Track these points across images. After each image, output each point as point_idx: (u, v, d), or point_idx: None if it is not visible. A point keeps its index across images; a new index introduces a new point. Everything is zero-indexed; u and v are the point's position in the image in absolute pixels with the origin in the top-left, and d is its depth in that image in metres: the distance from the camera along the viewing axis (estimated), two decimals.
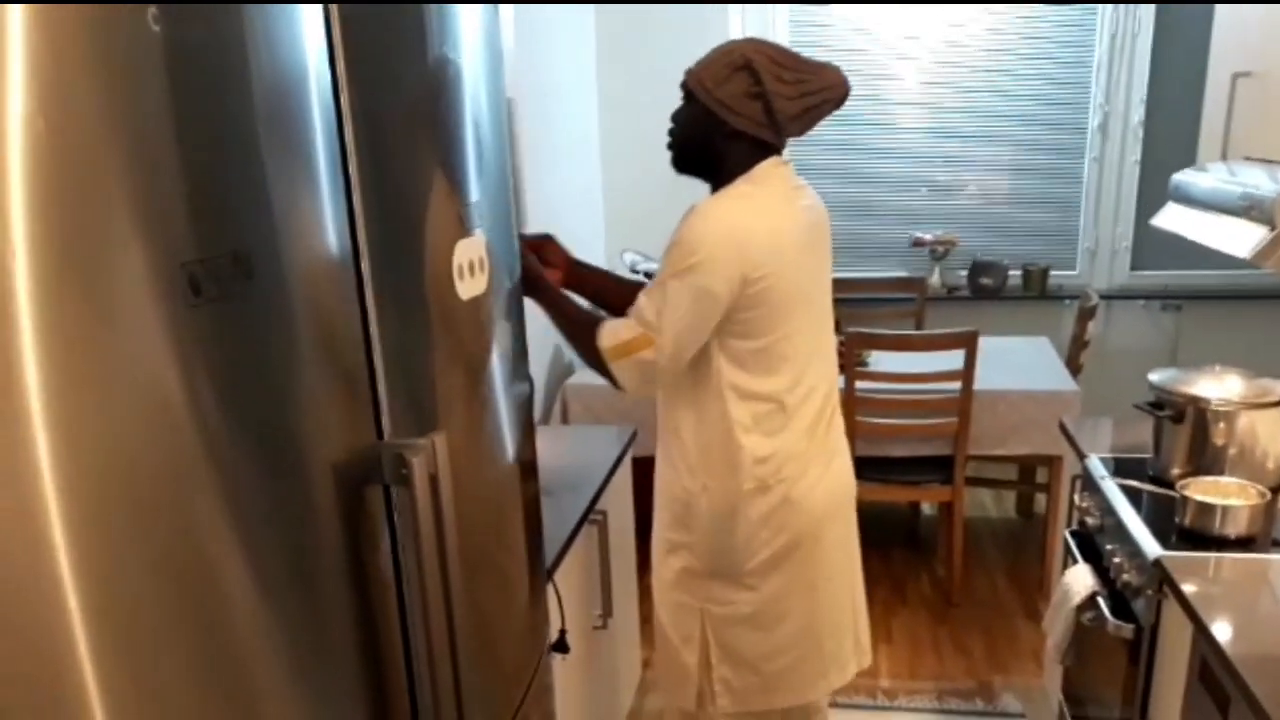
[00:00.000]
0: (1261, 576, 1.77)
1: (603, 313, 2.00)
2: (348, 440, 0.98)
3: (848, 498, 2.09)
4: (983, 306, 4.57)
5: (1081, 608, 2.11)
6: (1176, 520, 1.95)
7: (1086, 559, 2.21)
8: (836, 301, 2.08)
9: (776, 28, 4.42)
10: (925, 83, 4.50)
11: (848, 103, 1.90)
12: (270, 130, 0.83)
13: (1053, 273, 4.54)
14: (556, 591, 1.92)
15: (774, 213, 1.87)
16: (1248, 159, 2.29)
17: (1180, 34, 4.25)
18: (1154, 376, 2.19)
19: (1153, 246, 4.45)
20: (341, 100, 0.95)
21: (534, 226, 3.32)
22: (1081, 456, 2.40)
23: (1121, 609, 1.98)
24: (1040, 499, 4.22)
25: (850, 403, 3.35)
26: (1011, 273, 4.53)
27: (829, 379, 2.02)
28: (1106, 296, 4.51)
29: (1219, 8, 2.53)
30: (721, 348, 1.89)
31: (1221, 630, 1.59)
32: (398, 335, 1.07)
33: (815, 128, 1.92)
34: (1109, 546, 2.09)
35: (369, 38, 0.99)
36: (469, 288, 1.25)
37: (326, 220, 0.92)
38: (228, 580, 0.79)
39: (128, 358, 0.67)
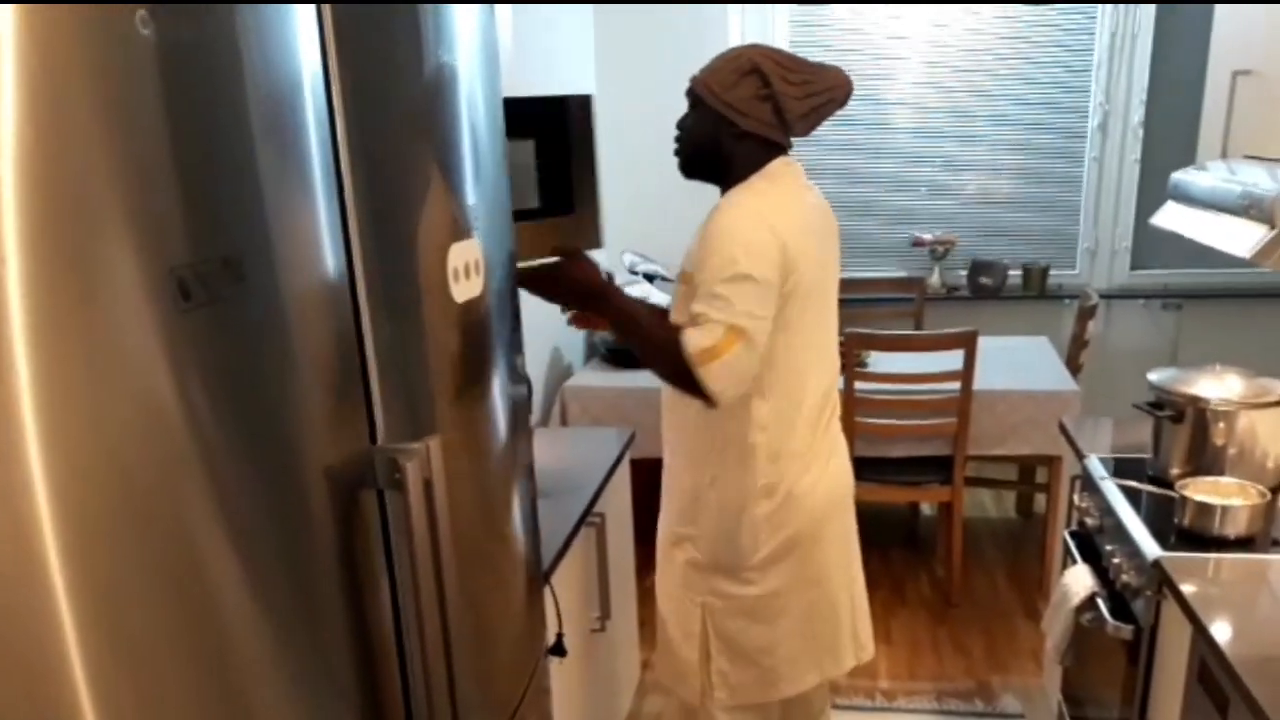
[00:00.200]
0: (1261, 577, 1.77)
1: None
2: (341, 445, 0.98)
3: (847, 494, 2.12)
4: (982, 306, 4.56)
5: (1081, 608, 2.11)
6: (1176, 521, 1.94)
7: (1086, 559, 2.20)
8: (837, 302, 2.09)
9: (776, 30, 4.41)
10: (924, 82, 4.49)
11: (849, 103, 1.94)
12: (263, 134, 0.82)
13: (1052, 272, 4.54)
14: (554, 594, 1.91)
15: (793, 207, 1.91)
16: (1248, 157, 2.28)
17: (1180, 32, 4.25)
18: (1153, 376, 2.19)
19: (1153, 246, 4.45)
20: (335, 103, 0.94)
21: None
22: (1081, 457, 2.40)
23: (1121, 610, 1.97)
24: (1040, 499, 4.21)
25: (850, 403, 3.35)
26: (1011, 272, 4.53)
27: (832, 376, 2.06)
28: (1106, 296, 4.51)
29: (1219, 6, 2.52)
30: None
31: (1220, 631, 1.58)
32: (391, 339, 1.06)
33: (818, 128, 1.96)
34: (1108, 547, 2.09)
35: (363, 40, 0.99)
36: (464, 290, 1.25)
37: (320, 224, 0.92)
38: (222, 585, 0.79)
39: (119, 363, 0.67)
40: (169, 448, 0.72)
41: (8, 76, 0.58)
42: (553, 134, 1.78)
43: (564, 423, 3.71)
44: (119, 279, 0.66)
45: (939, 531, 4.08)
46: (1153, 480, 2.16)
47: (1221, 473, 2.05)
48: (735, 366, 1.81)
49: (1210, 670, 1.59)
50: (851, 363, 3.35)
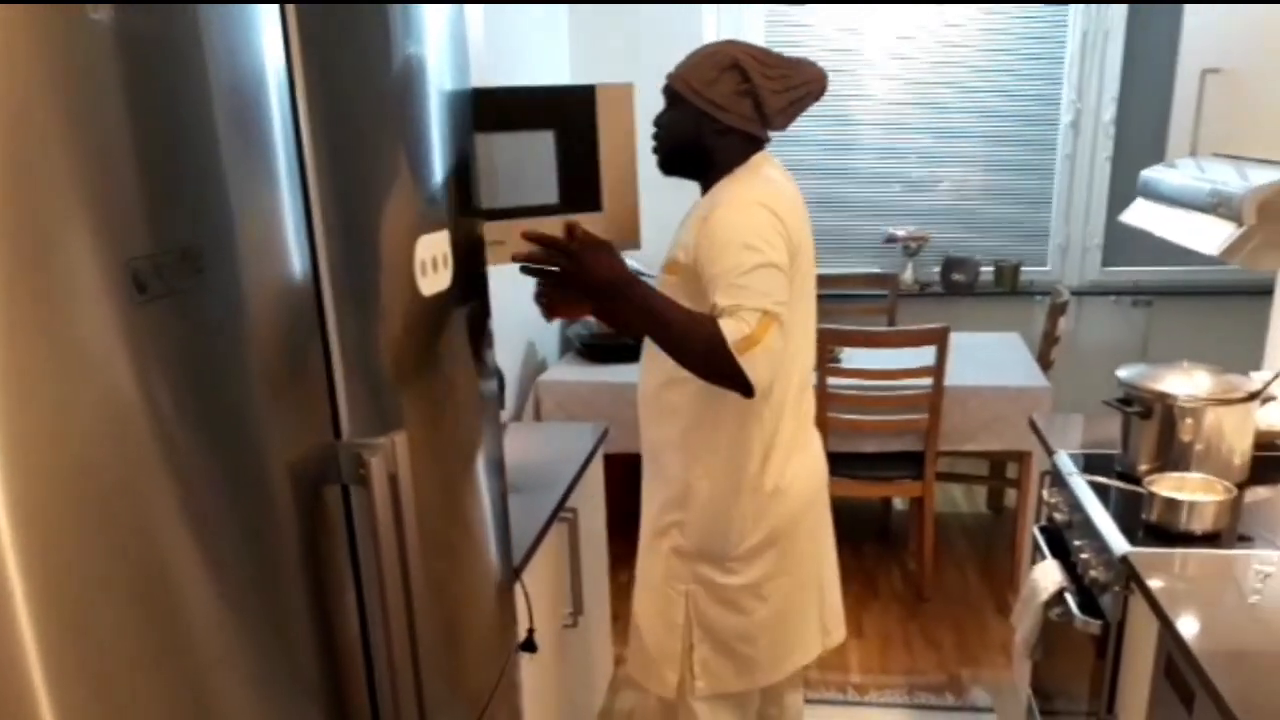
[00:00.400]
0: (1227, 572, 1.78)
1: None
2: (305, 439, 0.97)
3: (822, 484, 2.14)
4: (955, 302, 4.59)
5: (1049, 604, 2.12)
6: (1144, 516, 1.96)
7: (1055, 555, 2.21)
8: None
9: (751, 29, 4.41)
10: (898, 80, 4.51)
11: (823, 99, 1.95)
12: (224, 123, 0.81)
13: (1024, 269, 4.57)
14: (525, 590, 1.91)
15: (785, 195, 1.92)
16: (1216, 155, 2.30)
17: (1152, 30, 4.28)
18: (1122, 373, 2.20)
19: (1124, 242, 4.48)
20: (299, 94, 0.93)
21: None
22: (1050, 452, 2.41)
23: (1089, 605, 1.99)
24: (1011, 494, 4.24)
25: (822, 399, 3.35)
26: (984, 269, 4.56)
27: (810, 367, 2.07)
28: (1078, 292, 4.55)
29: (1188, 5, 2.54)
30: None
31: (1186, 626, 1.59)
32: (356, 332, 1.05)
33: (793, 122, 1.97)
34: (1077, 542, 2.10)
35: (328, 29, 0.98)
36: (432, 283, 1.24)
37: (283, 216, 0.90)
38: (184, 582, 0.78)
39: (75, 357, 0.65)
40: (128, 442, 0.71)
41: None
42: (578, 126, 1.70)
43: (538, 417, 3.70)
44: (74, 271, 0.65)
45: (911, 526, 4.10)
46: (1121, 476, 2.17)
47: (1189, 468, 2.07)
48: (772, 353, 1.80)
49: (1176, 664, 1.60)
50: (824, 358, 3.36)
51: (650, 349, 2.00)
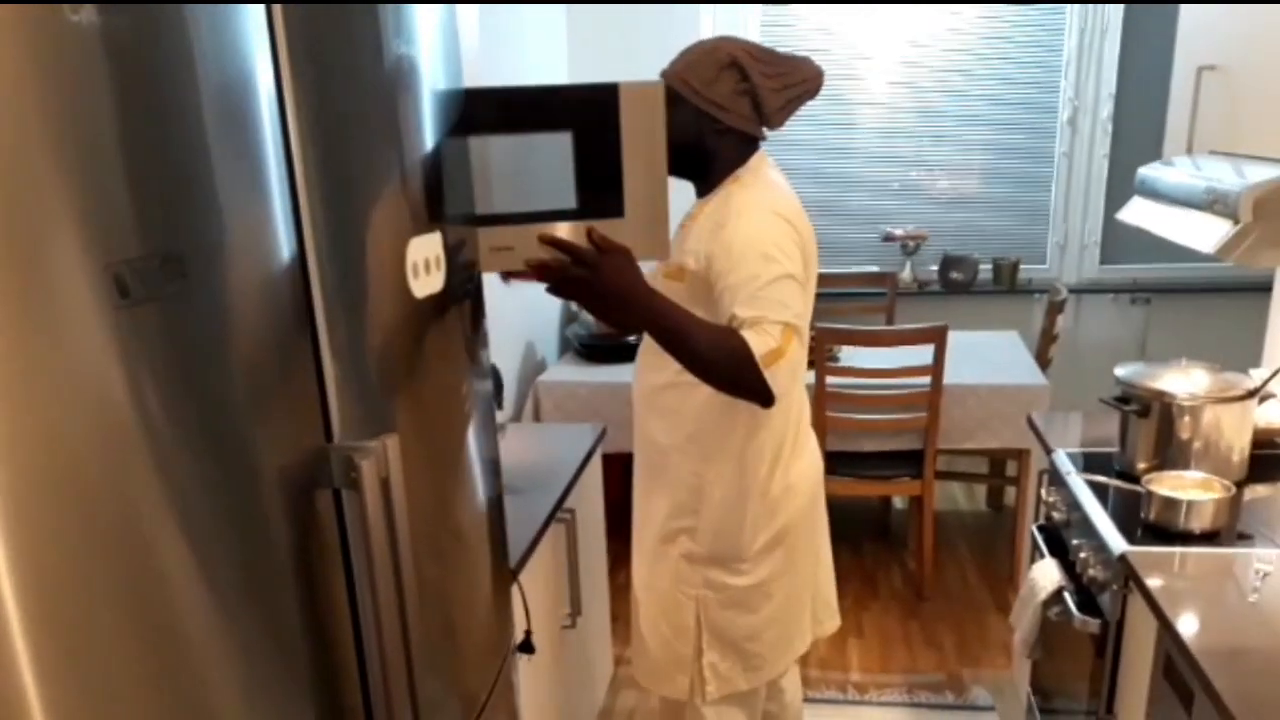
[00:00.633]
0: (1226, 571, 1.78)
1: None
2: (296, 443, 0.96)
3: (821, 481, 2.14)
4: (953, 301, 4.58)
5: (1048, 603, 2.12)
6: (1142, 515, 1.95)
7: (1054, 554, 2.21)
8: None
9: (748, 29, 4.40)
10: (896, 79, 4.50)
11: (820, 98, 1.94)
12: (208, 127, 0.80)
13: (1023, 267, 4.57)
14: (522, 592, 1.90)
15: (790, 198, 1.92)
16: (1213, 153, 2.30)
17: (1149, 28, 4.28)
18: (1120, 371, 2.20)
19: (1122, 240, 4.48)
20: (286, 94, 0.92)
21: None
22: (1048, 451, 2.41)
23: (1088, 604, 1.98)
24: (1011, 492, 4.23)
25: (821, 398, 3.35)
26: (982, 267, 4.55)
27: (805, 367, 2.07)
28: (1076, 290, 4.54)
29: (1184, 2, 2.53)
30: None
31: (1185, 625, 1.59)
32: (347, 335, 1.04)
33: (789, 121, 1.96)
34: (1075, 541, 2.10)
35: (315, 29, 0.97)
36: (424, 286, 1.23)
37: (269, 218, 0.90)
38: (175, 586, 0.77)
39: (59, 358, 0.65)
40: (117, 446, 0.71)
41: None
42: (599, 127, 1.58)
43: (537, 418, 3.69)
44: (56, 274, 0.64)
45: (910, 525, 4.09)
46: (1119, 475, 2.17)
47: (1187, 467, 2.07)
48: (794, 366, 1.81)
49: (1175, 664, 1.60)
50: (822, 358, 3.36)
51: (649, 349, 1.98)
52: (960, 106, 4.51)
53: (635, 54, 4.24)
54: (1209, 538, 1.89)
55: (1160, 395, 2.09)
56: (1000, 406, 3.50)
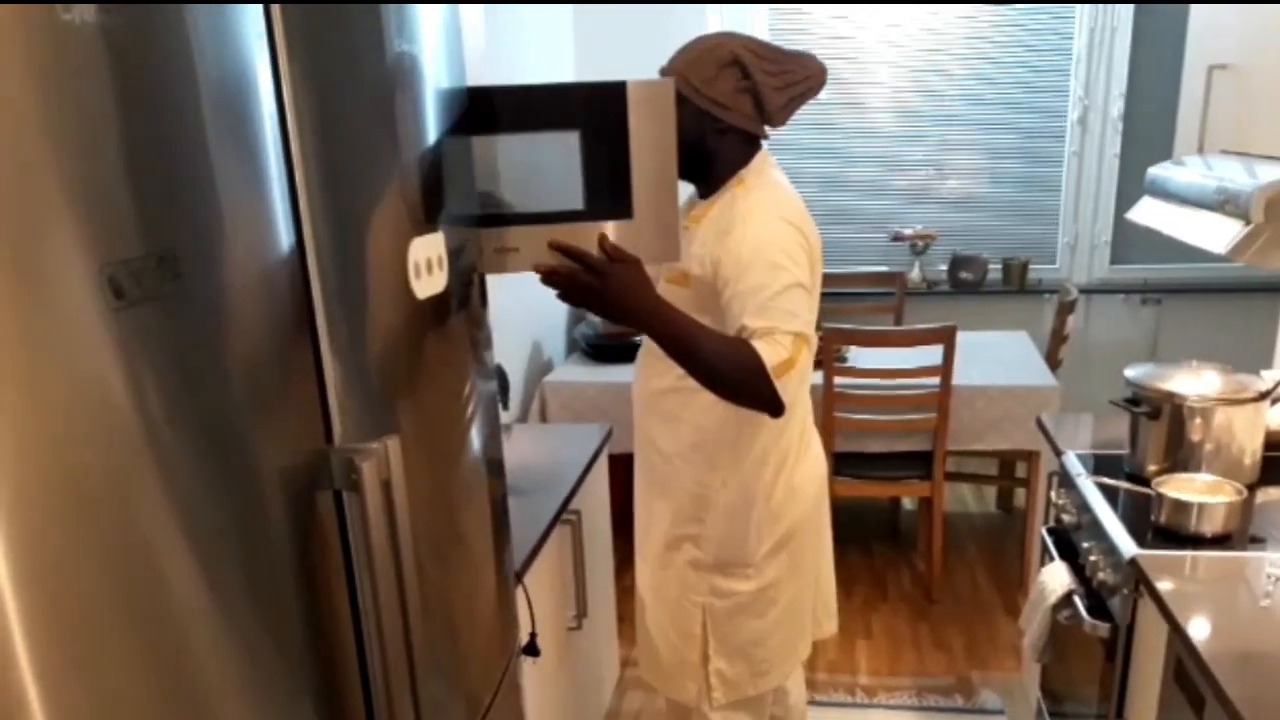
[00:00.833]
0: (1238, 575, 1.76)
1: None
2: (296, 445, 0.95)
3: (824, 482, 2.13)
4: (962, 301, 4.56)
5: (1058, 606, 2.10)
6: (1153, 518, 1.94)
7: (1063, 556, 2.19)
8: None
9: (755, 28, 4.39)
10: (905, 78, 4.49)
11: (828, 98, 1.92)
12: (204, 126, 0.79)
13: (1033, 267, 4.54)
14: (526, 593, 1.89)
15: (795, 200, 1.89)
16: (1224, 152, 2.28)
17: (1160, 26, 4.25)
18: (1130, 372, 2.18)
19: (1132, 240, 4.45)
20: (284, 94, 0.91)
21: None
22: (1058, 453, 2.39)
23: (1098, 607, 1.97)
24: (1021, 494, 4.21)
25: (829, 398, 3.34)
26: (991, 267, 4.53)
27: None
28: (1086, 291, 4.52)
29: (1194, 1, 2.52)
30: None
31: (1196, 630, 1.57)
32: (348, 336, 1.04)
33: (790, 121, 1.94)
34: (1085, 544, 2.08)
35: (315, 28, 0.96)
36: (426, 286, 1.22)
37: (269, 218, 0.89)
38: (175, 588, 0.76)
39: (58, 360, 0.64)
40: (116, 449, 0.70)
41: None
42: (607, 126, 1.55)
43: (544, 418, 3.69)
44: (52, 276, 0.63)
45: (920, 526, 4.07)
46: (1130, 477, 2.15)
47: (1198, 469, 2.05)
48: (804, 375, 1.81)
49: (1186, 669, 1.58)
50: (830, 358, 3.34)
51: (650, 353, 1.96)
52: (970, 105, 4.49)
53: (643, 52, 4.21)
54: (1220, 541, 1.87)
55: (1171, 397, 2.07)
56: (1010, 407, 3.48)
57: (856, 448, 3.49)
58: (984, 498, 4.52)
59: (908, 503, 4.35)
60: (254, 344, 0.87)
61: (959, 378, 3.37)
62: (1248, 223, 1.88)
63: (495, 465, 1.57)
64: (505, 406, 2.67)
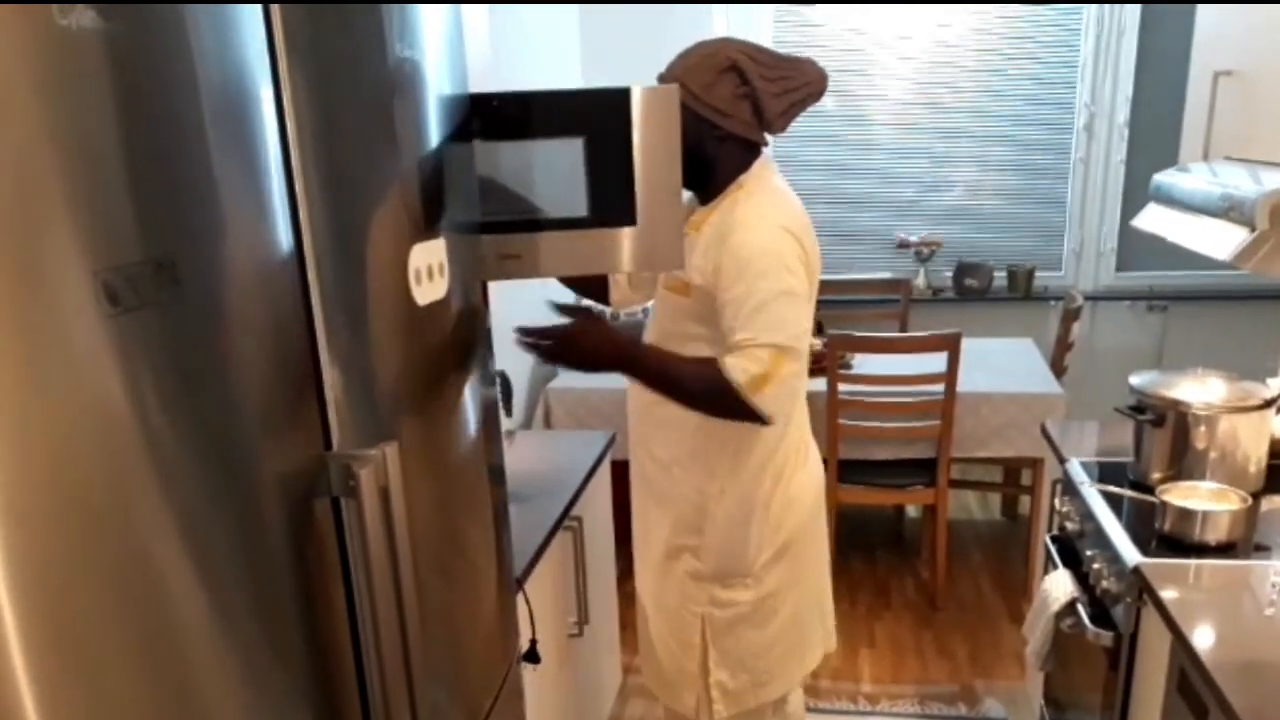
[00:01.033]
0: (1242, 583, 1.75)
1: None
2: (294, 452, 0.95)
3: (822, 491, 2.13)
4: (968, 308, 4.55)
5: (1061, 614, 2.09)
6: (1157, 526, 1.93)
7: (1067, 564, 2.18)
8: (821, 303, 2.07)
9: (761, 31, 4.39)
10: (911, 84, 4.48)
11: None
12: (203, 131, 0.79)
13: (1038, 274, 4.54)
14: (527, 600, 1.89)
15: (795, 208, 1.88)
16: (1229, 158, 2.27)
17: (1166, 32, 4.24)
18: (1134, 380, 2.17)
19: (1138, 247, 4.44)
20: (284, 98, 0.91)
21: None
22: (1062, 460, 2.38)
23: (1101, 616, 1.96)
24: (1025, 501, 4.20)
25: (833, 405, 3.33)
26: (997, 274, 4.52)
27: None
28: (1092, 297, 4.50)
29: (1200, 6, 2.51)
30: None
31: (1200, 640, 1.56)
32: (347, 343, 1.03)
33: (795, 126, 1.94)
34: (1089, 552, 2.07)
35: (315, 31, 0.96)
36: (427, 293, 1.22)
37: (268, 224, 0.89)
38: (173, 595, 0.76)
39: (55, 366, 0.64)
40: (114, 455, 0.70)
41: None
42: (611, 132, 1.55)
43: (548, 425, 3.68)
44: (50, 282, 0.63)
45: (923, 534, 4.06)
46: (1134, 484, 2.14)
47: (1203, 477, 2.04)
48: (789, 388, 1.80)
49: (1189, 678, 1.57)
50: (835, 365, 3.33)
51: None
52: (976, 110, 4.48)
53: (650, 57, 4.22)
54: (1225, 549, 1.86)
55: (1176, 404, 2.06)
56: (1015, 414, 3.47)
57: (861, 455, 3.48)
58: (988, 505, 4.51)
59: (912, 510, 4.33)
60: (253, 350, 0.87)
61: (964, 385, 3.36)
62: (1252, 230, 1.87)
63: (496, 472, 1.56)
64: (508, 413, 2.67)
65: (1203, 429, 2.04)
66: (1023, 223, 4.61)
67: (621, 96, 1.54)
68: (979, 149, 4.53)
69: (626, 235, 1.59)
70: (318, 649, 1.00)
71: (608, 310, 2.32)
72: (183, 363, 0.77)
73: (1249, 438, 2.04)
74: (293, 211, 0.93)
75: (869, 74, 4.46)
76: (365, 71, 1.08)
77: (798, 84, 1.83)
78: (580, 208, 1.57)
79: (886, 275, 4.56)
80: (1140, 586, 1.79)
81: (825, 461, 2.21)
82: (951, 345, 3.26)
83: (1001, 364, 3.79)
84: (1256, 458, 2.06)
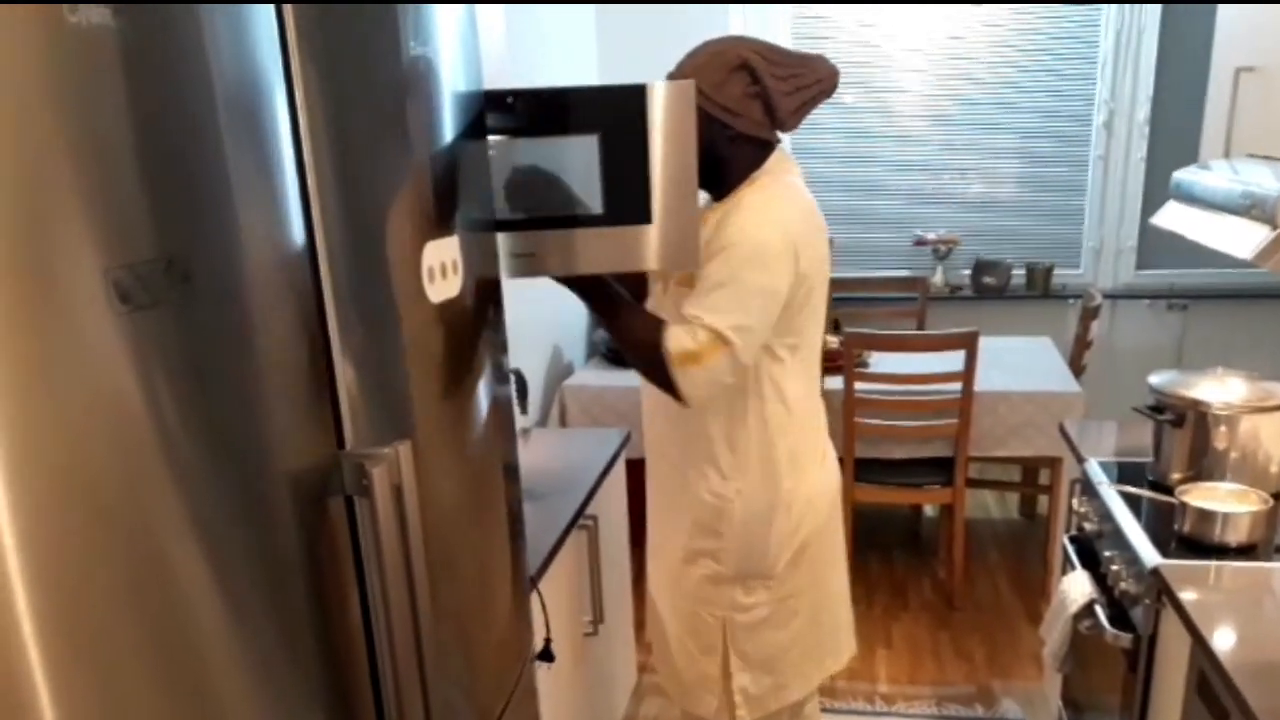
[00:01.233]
0: (1263, 585, 1.73)
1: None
2: (308, 450, 0.95)
3: (838, 489, 2.11)
4: (986, 306, 4.53)
5: (1079, 616, 2.07)
6: (1176, 527, 1.91)
7: (1085, 565, 2.17)
8: (838, 301, 2.06)
9: (778, 30, 4.37)
10: (929, 80, 4.45)
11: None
12: (217, 128, 0.79)
13: (1057, 272, 4.50)
14: (541, 599, 1.89)
15: (802, 206, 1.86)
16: (1250, 156, 2.25)
17: (1186, 29, 4.21)
18: (1154, 379, 2.15)
19: (1158, 245, 4.41)
20: (297, 96, 0.91)
21: None
22: (1080, 460, 2.36)
23: (1120, 617, 1.94)
24: (1044, 500, 4.17)
25: (850, 404, 3.32)
26: (1015, 272, 4.49)
27: (819, 375, 2.04)
28: (1111, 296, 4.47)
29: (1221, 2, 2.48)
30: (765, 347, 1.85)
31: (1220, 642, 1.54)
32: (361, 341, 1.03)
33: (813, 118, 1.91)
34: (1107, 553, 2.05)
35: (327, 29, 0.96)
36: (440, 290, 1.22)
37: (281, 222, 0.89)
38: (187, 594, 0.76)
39: (68, 364, 0.64)
40: (126, 454, 0.70)
41: None
42: (627, 129, 1.53)
43: (563, 423, 3.68)
44: (61, 280, 0.63)
45: (941, 533, 4.04)
46: (1153, 485, 2.12)
47: (1223, 478, 2.02)
48: (714, 376, 1.77)
49: (1209, 681, 1.55)
50: (851, 363, 3.32)
51: None
52: (994, 107, 4.45)
53: (667, 56, 4.21)
54: (1245, 551, 1.84)
55: (1195, 404, 2.05)
56: (1033, 414, 3.45)
57: (877, 454, 3.46)
58: (1006, 504, 4.48)
59: (929, 509, 4.31)
60: (265, 348, 0.87)
61: (981, 383, 3.35)
62: (1274, 228, 1.85)
63: (510, 470, 1.56)
64: (524, 411, 2.67)
65: (1223, 429, 2.02)
66: (1041, 220, 4.58)
67: (637, 92, 1.53)
68: (997, 146, 4.50)
69: (642, 233, 1.58)
70: (331, 646, 1.00)
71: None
72: (195, 361, 0.77)
73: (1270, 438, 2.02)
74: (305, 209, 0.93)
75: (888, 72, 4.43)
76: (378, 69, 1.08)
77: (809, 81, 1.82)
78: (595, 205, 1.57)
79: (904, 273, 4.54)
80: (1159, 588, 1.77)
81: (841, 460, 2.19)
82: (969, 343, 3.25)
83: (1019, 363, 3.77)
84: (1277, 458, 2.04)
